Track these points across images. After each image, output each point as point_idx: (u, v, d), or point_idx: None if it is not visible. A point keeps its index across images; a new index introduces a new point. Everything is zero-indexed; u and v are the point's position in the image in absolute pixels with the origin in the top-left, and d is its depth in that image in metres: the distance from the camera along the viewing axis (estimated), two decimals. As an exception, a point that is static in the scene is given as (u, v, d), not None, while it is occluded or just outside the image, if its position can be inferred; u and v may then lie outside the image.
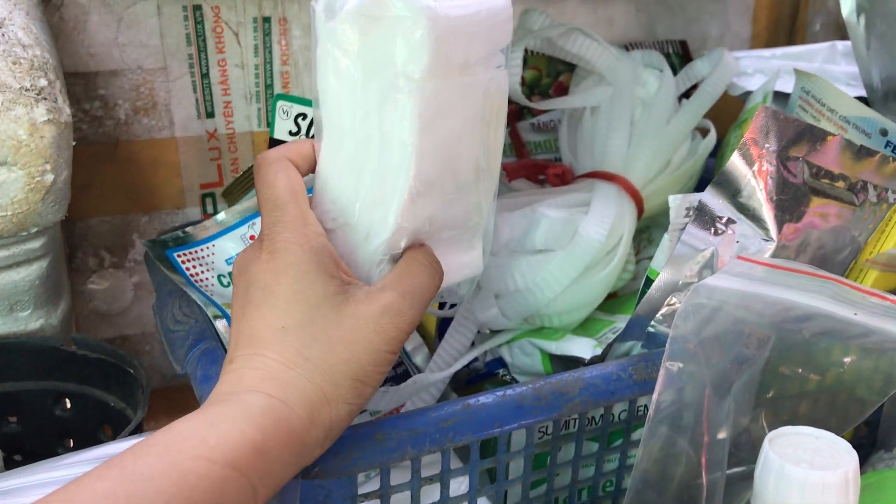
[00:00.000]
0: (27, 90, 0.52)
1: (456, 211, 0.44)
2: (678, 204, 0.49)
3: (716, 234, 0.49)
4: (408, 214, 0.42)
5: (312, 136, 0.67)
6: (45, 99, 0.53)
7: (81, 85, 0.70)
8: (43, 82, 0.53)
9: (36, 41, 0.55)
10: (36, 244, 0.57)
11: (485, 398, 0.45)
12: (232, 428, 0.35)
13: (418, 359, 0.63)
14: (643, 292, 0.51)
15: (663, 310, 0.50)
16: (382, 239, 0.42)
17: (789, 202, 0.49)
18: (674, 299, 0.50)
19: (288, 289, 0.39)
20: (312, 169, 0.44)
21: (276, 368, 0.38)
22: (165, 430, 0.35)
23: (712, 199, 0.49)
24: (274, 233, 0.40)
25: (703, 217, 0.49)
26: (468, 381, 0.64)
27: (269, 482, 0.36)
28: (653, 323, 0.50)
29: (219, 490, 0.33)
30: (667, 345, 0.43)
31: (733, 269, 0.45)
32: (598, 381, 0.47)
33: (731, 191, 0.49)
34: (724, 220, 0.49)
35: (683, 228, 0.49)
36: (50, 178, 0.53)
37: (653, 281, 0.49)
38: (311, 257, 0.39)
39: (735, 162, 0.48)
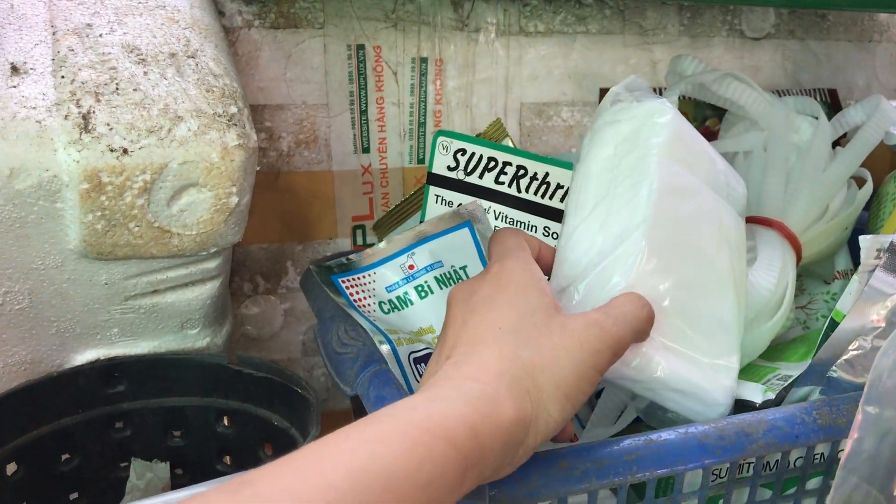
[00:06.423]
0: (220, 116, 0.55)
1: (699, 306, 0.48)
2: (868, 245, 0.48)
3: (906, 278, 0.47)
4: (641, 273, 0.46)
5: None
6: (236, 125, 0.55)
7: (249, 117, 0.73)
8: (233, 109, 0.56)
9: (225, 71, 0.58)
10: (212, 264, 0.60)
11: (667, 434, 0.44)
12: (451, 407, 0.36)
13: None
14: (826, 336, 0.50)
15: (846, 355, 0.48)
16: (618, 287, 0.45)
17: None
18: (857, 344, 0.48)
19: (507, 299, 0.42)
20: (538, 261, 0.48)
21: (492, 363, 0.39)
22: (389, 406, 0.36)
23: (904, 241, 0.47)
24: (499, 262, 0.45)
25: (894, 259, 0.47)
26: (619, 421, 0.63)
27: (479, 468, 0.36)
28: (834, 367, 0.49)
29: (441, 465, 0.34)
30: (865, 387, 0.42)
31: (941, 312, 0.44)
32: (782, 423, 0.46)
33: (925, 234, 0.47)
34: (915, 265, 0.47)
35: (873, 270, 0.47)
36: (234, 200, 0.56)
37: (837, 324, 0.48)
38: (530, 279, 0.43)
39: (930, 204, 0.47)
